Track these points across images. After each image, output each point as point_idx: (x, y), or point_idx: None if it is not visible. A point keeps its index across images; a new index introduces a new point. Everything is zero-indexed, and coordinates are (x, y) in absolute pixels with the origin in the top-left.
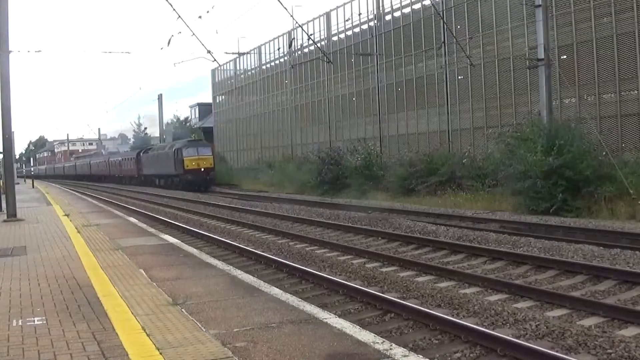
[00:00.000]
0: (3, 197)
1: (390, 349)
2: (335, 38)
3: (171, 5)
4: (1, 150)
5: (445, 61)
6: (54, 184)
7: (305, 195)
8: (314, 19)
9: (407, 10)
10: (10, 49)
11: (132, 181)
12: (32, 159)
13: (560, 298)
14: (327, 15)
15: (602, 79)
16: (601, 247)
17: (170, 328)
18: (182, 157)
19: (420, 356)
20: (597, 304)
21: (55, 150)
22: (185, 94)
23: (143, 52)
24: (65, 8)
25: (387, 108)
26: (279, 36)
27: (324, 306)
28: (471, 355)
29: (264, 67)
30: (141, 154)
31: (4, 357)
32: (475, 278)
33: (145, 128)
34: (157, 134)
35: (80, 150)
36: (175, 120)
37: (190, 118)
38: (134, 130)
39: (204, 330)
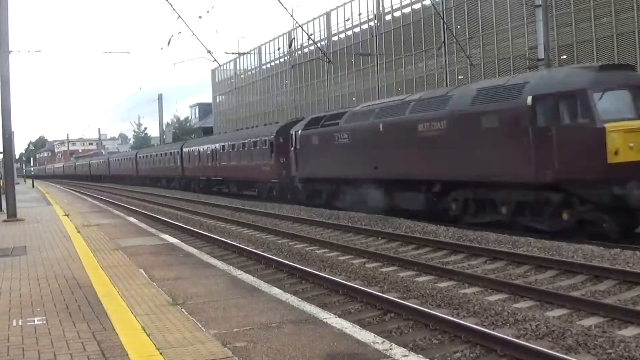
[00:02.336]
0: (3, 197)
1: (390, 349)
2: (335, 38)
3: (171, 5)
4: (1, 150)
5: (445, 61)
6: (54, 184)
7: None
8: (314, 19)
9: (407, 10)
10: (10, 49)
11: (268, 194)
12: (32, 159)
13: (560, 298)
14: (327, 15)
15: None
16: (601, 247)
17: (170, 328)
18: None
19: (420, 356)
20: (597, 304)
21: (55, 150)
22: (186, 94)
23: (143, 52)
24: (65, 8)
25: None
26: (279, 36)
27: (324, 306)
28: (471, 355)
29: (264, 67)
30: (299, 132)
31: (4, 357)
32: (475, 278)
33: (145, 128)
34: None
35: (80, 150)
36: (175, 120)
37: (190, 118)
38: (134, 130)
39: (204, 330)
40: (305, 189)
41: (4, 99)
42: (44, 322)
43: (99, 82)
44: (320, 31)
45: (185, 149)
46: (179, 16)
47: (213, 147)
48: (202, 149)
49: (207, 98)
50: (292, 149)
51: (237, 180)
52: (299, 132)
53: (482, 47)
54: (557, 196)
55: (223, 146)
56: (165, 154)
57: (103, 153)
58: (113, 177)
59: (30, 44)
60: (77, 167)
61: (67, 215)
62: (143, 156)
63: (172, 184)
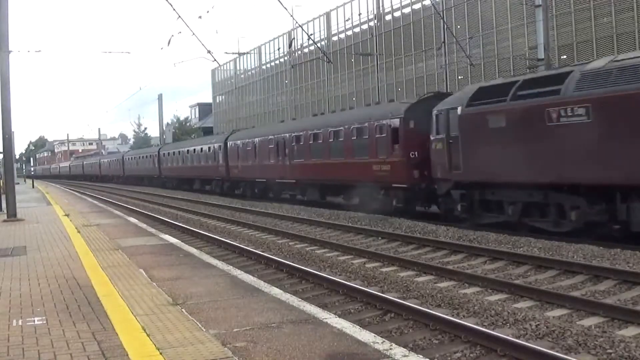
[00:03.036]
0: (3, 197)
1: (390, 349)
2: (335, 38)
3: (171, 5)
4: (1, 150)
5: (445, 61)
6: (53, 184)
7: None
8: (314, 19)
9: (407, 10)
10: (10, 49)
11: (385, 205)
12: (32, 159)
13: (560, 298)
14: (327, 15)
15: None
16: (601, 247)
17: (170, 328)
18: None
19: (420, 356)
20: (597, 304)
21: (55, 150)
22: (186, 94)
23: (143, 52)
24: (65, 8)
25: None
26: (279, 36)
27: (324, 306)
28: (471, 355)
29: (264, 67)
30: (458, 110)
31: (4, 357)
32: (475, 278)
33: (146, 128)
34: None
35: (80, 150)
36: (175, 120)
37: (190, 118)
38: (134, 130)
39: (204, 330)
40: (468, 200)
41: (4, 99)
42: (44, 322)
43: (99, 82)
44: (320, 31)
45: (230, 143)
46: (179, 16)
47: (281, 138)
48: (259, 142)
49: (207, 98)
50: (439, 137)
51: (323, 184)
52: (459, 110)
53: (482, 47)
54: None
55: (298, 137)
56: (201, 149)
57: (103, 153)
58: (128, 179)
59: (30, 44)
60: (85, 167)
61: (67, 215)
62: (168, 153)
63: (210, 187)
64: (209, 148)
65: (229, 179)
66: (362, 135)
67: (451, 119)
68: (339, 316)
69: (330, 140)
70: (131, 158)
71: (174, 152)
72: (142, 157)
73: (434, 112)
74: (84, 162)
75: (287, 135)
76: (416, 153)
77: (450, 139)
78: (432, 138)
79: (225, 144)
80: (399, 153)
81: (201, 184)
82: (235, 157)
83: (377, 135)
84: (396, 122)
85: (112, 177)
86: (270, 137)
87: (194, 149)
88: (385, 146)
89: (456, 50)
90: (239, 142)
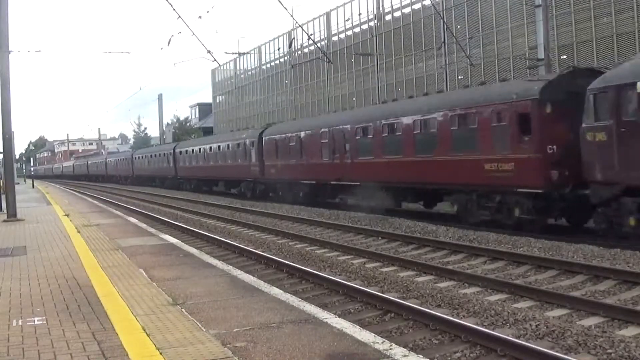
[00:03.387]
0: (3, 197)
1: (390, 348)
2: (335, 38)
3: (171, 5)
4: (1, 150)
5: (445, 61)
6: (53, 184)
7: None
8: (314, 19)
9: (407, 10)
10: (10, 49)
11: (506, 212)
12: (32, 159)
13: (560, 298)
14: (327, 15)
15: None
16: (601, 247)
17: (170, 328)
18: None
19: (420, 356)
20: (597, 304)
21: (55, 150)
22: (186, 94)
23: (143, 52)
24: (65, 8)
25: None
26: (279, 36)
27: (324, 306)
28: (471, 355)
29: (264, 67)
30: None
31: (4, 357)
32: (475, 278)
33: (145, 128)
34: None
35: (80, 150)
36: (175, 120)
37: (190, 118)
38: (134, 130)
39: (204, 330)
40: None
41: (4, 99)
42: (44, 322)
43: (99, 82)
44: (320, 31)
45: (266, 137)
46: (179, 16)
47: (339, 131)
48: (307, 136)
49: (207, 98)
50: (601, 124)
51: (400, 187)
52: (639, 87)
53: (482, 47)
54: None
55: (364, 129)
56: (228, 146)
57: (103, 153)
58: (137, 179)
59: (30, 44)
60: (89, 167)
61: (67, 215)
62: (186, 151)
63: (238, 190)
64: (238, 144)
65: (263, 181)
66: (468, 125)
67: (623, 100)
68: (339, 316)
69: (416, 131)
70: (142, 157)
71: (193, 150)
72: (155, 155)
73: (590, 91)
74: (89, 162)
75: (348, 127)
76: (554, 147)
77: (622, 127)
78: (584, 126)
79: (260, 139)
80: (531, 147)
81: (226, 185)
82: (273, 154)
83: (493, 124)
84: (526, 105)
85: (120, 178)
86: (322, 129)
87: (219, 146)
88: (507, 138)
89: (456, 50)
90: (277, 136)
